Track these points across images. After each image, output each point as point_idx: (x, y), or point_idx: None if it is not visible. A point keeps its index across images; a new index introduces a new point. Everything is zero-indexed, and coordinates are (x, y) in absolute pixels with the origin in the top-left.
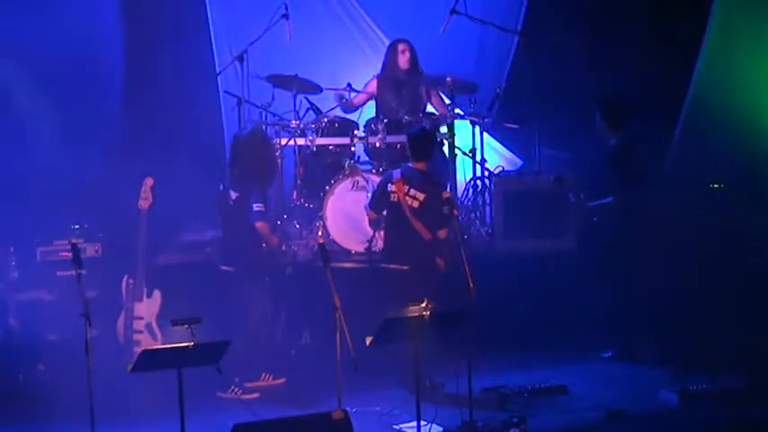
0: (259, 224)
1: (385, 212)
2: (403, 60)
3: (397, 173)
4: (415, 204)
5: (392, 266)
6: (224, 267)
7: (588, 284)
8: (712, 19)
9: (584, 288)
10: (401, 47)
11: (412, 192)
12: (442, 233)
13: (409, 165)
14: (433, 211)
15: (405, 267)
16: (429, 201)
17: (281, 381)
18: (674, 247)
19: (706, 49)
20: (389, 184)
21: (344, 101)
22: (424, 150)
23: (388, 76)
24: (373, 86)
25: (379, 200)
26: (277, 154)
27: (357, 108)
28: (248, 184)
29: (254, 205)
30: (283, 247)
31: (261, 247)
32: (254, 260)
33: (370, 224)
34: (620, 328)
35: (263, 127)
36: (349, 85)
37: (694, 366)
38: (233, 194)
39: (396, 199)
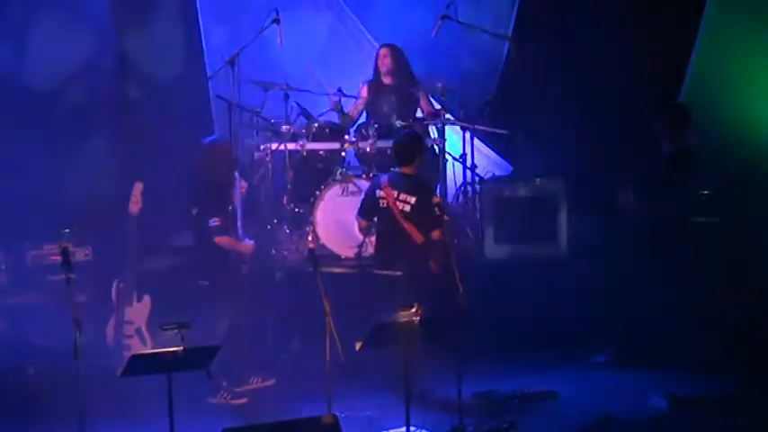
0: (218, 239)
1: (375, 219)
2: (383, 65)
3: (384, 179)
4: (407, 208)
5: (385, 273)
6: (201, 282)
7: (578, 289)
8: (704, 24)
9: (574, 293)
10: (382, 52)
11: (402, 196)
12: (436, 234)
13: (396, 170)
14: (425, 213)
15: (398, 273)
16: (420, 203)
17: (271, 382)
18: (667, 253)
19: (697, 54)
20: (378, 191)
21: (344, 116)
22: (408, 155)
23: (375, 81)
24: (364, 92)
25: (368, 207)
26: (235, 173)
27: (358, 119)
28: (202, 198)
29: (210, 221)
30: (273, 252)
31: (229, 261)
32: (223, 274)
33: (360, 230)
34: (610, 333)
35: (229, 140)
36: (339, 89)
37: (685, 372)
38: (193, 209)
39: (385, 204)
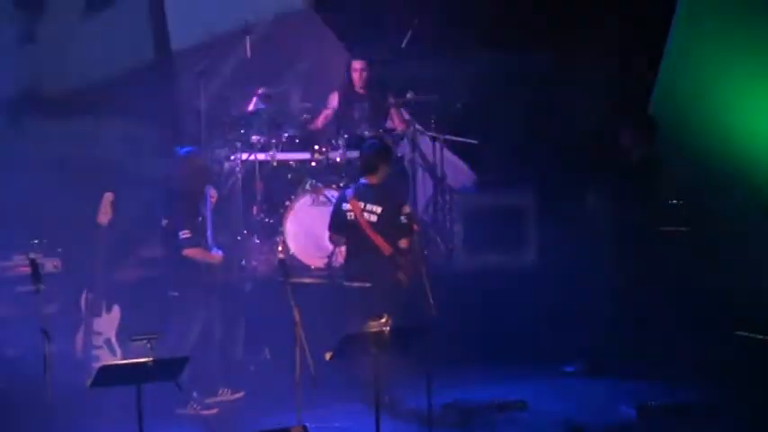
0: (188, 251)
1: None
2: (357, 79)
3: (349, 192)
4: (374, 219)
5: (355, 285)
6: (171, 293)
7: (549, 299)
8: (672, 34)
9: (544, 303)
10: (357, 65)
11: (368, 206)
12: (403, 243)
13: (361, 181)
14: (391, 222)
15: (367, 285)
16: (386, 213)
17: (240, 395)
18: (636, 263)
19: (665, 64)
20: (344, 204)
21: (307, 122)
22: (372, 164)
23: (347, 92)
24: (334, 101)
25: (337, 222)
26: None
27: (322, 128)
28: (173, 210)
29: (180, 233)
30: (243, 262)
31: (199, 272)
32: (193, 285)
33: (330, 240)
34: (580, 343)
35: (202, 153)
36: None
37: (654, 381)
38: (163, 221)
39: (352, 217)
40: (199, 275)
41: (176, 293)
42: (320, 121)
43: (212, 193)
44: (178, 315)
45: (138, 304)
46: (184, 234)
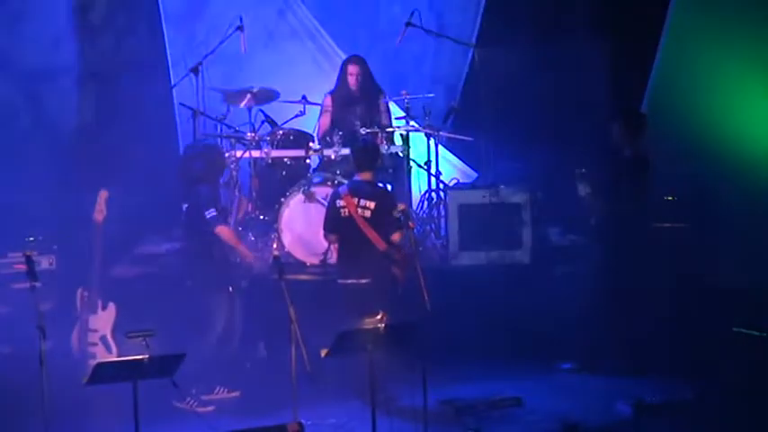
0: (219, 229)
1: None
2: (352, 81)
3: (343, 188)
4: (367, 214)
5: (350, 282)
6: (188, 282)
7: (544, 296)
8: (666, 32)
9: (539, 300)
10: (350, 68)
11: (362, 202)
12: (395, 237)
13: (355, 178)
14: (384, 217)
15: (363, 281)
16: (380, 208)
17: (236, 394)
18: (632, 259)
19: (660, 62)
20: (338, 200)
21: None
22: (366, 161)
23: (341, 93)
24: (328, 103)
25: (331, 219)
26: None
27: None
28: (195, 193)
29: (207, 213)
30: (237, 259)
31: (214, 258)
32: (206, 272)
33: (325, 238)
34: (576, 340)
35: (219, 143)
36: (304, 97)
37: (650, 378)
38: (184, 205)
39: (347, 213)
40: (212, 265)
41: (191, 282)
42: (323, 125)
43: (243, 201)
44: (194, 303)
45: (133, 301)
46: (211, 213)
